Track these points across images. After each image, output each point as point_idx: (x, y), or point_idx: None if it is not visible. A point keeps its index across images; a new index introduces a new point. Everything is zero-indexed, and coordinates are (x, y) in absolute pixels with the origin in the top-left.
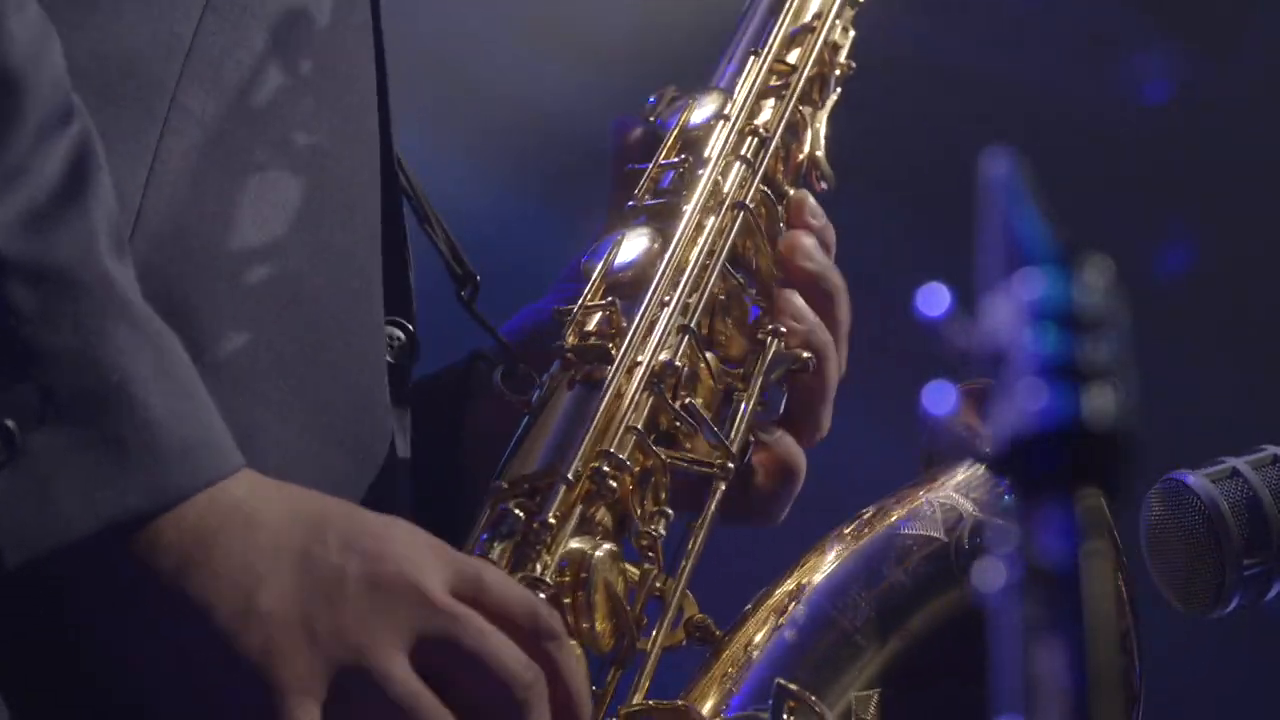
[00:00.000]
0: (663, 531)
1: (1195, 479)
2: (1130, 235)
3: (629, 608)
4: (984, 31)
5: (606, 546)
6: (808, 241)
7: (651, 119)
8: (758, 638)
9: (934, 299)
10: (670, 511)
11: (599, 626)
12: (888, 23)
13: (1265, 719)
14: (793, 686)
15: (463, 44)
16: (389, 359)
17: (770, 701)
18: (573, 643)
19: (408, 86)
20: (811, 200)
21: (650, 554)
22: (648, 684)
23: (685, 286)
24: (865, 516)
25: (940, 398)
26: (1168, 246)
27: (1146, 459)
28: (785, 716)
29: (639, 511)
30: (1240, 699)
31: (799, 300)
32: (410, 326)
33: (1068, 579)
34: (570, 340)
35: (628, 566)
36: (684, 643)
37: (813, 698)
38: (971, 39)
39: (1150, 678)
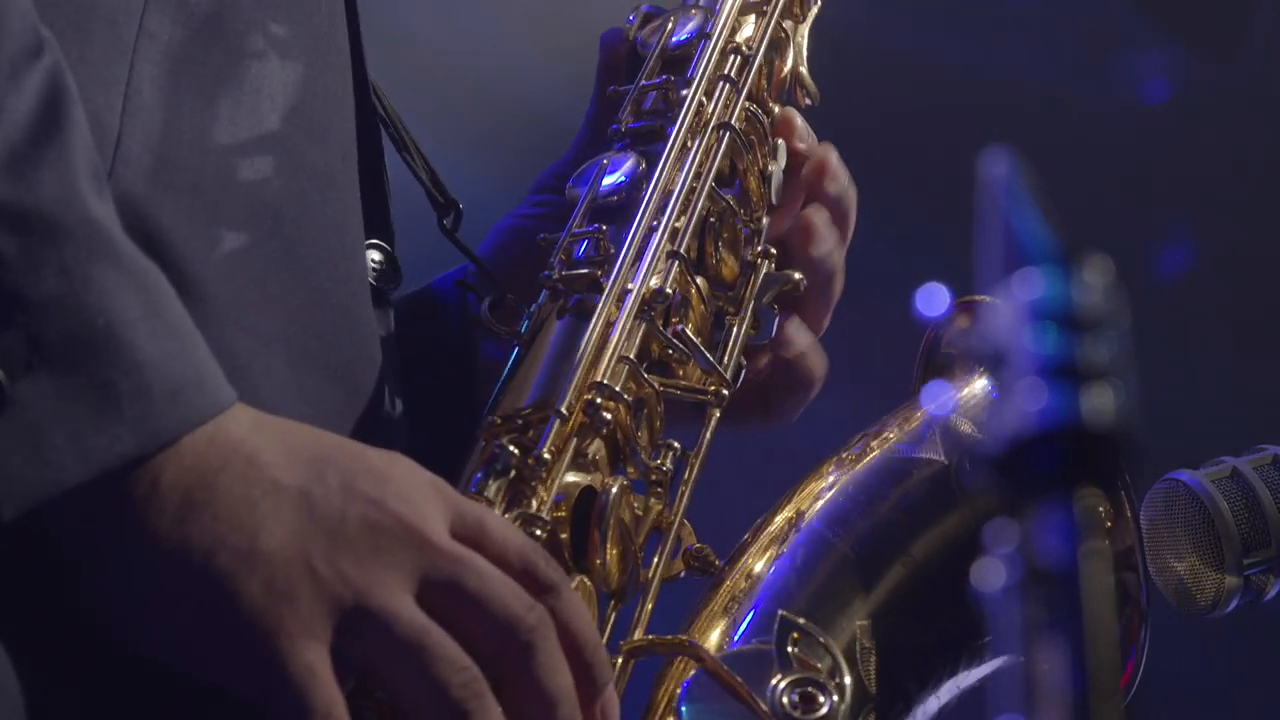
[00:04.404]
0: (670, 466)
1: (1195, 479)
2: (1130, 235)
3: (635, 542)
4: (984, 31)
5: (620, 481)
6: (833, 159)
7: (631, 39)
8: (758, 567)
9: (934, 299)
10: (677, 445)
11: (610, 562)
12: (887, 23)
13: (1265, 719)
14: (797, 619)
15: (461, 43)
16: (370, 280)
17: (775, 633)
18: (581, 578)
19: (407, 85)
20: (800, 120)
21: (659, 489)
22: (648, 618)
23: (673, 210)
24: (864, 440)
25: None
26: (1167, 247)
27: (1146, 459)
28: (789, 648)
29: (643, 443)
30: (1240, 699)
31: (825, 217)
32: (389, 248)
33: (1067, 579)
34: (558, 269)
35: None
36: (682, 574)
37: (816, 628)
38: (971, 39)
39: (1150, 678)
